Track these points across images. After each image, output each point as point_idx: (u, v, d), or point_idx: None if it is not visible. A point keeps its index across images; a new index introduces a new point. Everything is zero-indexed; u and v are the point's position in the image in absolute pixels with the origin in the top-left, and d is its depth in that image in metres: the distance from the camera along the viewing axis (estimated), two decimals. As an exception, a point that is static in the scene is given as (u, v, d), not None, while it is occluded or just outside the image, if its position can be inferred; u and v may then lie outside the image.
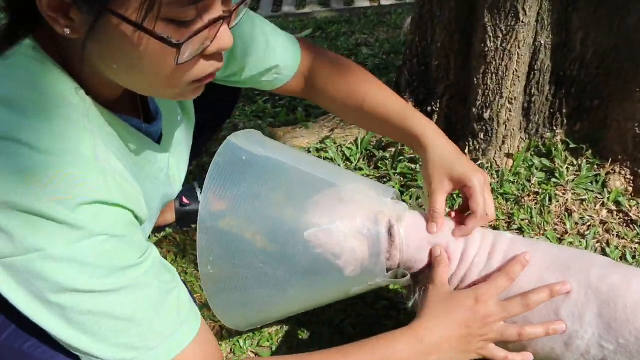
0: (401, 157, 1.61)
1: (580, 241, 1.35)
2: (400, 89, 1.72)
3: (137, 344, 0.68)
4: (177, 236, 1.60)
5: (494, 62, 1.44)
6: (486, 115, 1.49)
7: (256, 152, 0.87)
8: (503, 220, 1.42)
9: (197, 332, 0.75)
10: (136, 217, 0.71)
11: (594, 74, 1.44)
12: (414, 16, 1.67)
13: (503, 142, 1.52)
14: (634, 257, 1.31)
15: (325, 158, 1.69)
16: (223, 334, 1.27)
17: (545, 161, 1.51)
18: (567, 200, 1.43)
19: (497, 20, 1.38)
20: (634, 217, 1.38)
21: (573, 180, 1.46)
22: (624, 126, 1.42)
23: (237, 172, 0.84)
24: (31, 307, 0.64)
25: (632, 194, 1.42)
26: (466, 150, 1.55)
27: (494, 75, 1.45)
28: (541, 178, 1.49)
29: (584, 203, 1.43)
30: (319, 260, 0.85)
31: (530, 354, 0.89)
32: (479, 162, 1.54)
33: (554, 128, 1.53)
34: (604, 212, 1.41)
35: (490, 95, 1.47)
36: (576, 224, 1.39)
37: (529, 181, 1.49)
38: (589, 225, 1.38)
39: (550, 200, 1.43)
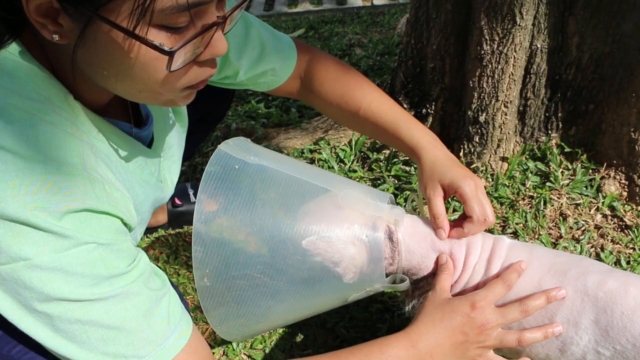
0: (395, 160, 1.61)
1: (574, 246, 1.35)
2: (395, 90, 1.71)
3: (127, 352, 0.67)
4: (170, 237, 1.58)
5: (490, 65, 1.43)
6: (481, 119, 1.48)
7: (249, 161, 0.85)
8: (498, 224, 1.42)
9: (189, 339, 0.73)
10: (125, 224, 0.70)
11: (590, 79, 1.44)
12: (409, 18, 1.66)
13: (498, 146, 1.51)
14: (628, 263, 1.31)
15: (319, 159, 1.68)
16: (216, 337, 1.25)
17: (540, 165, 1.51)
18: (561, 204, 1.43)
19: (494, 23, 1.38)
20: (628, 222, 1.38)
21: (568, 185, 1.46)
22: (619, 131, 1.42)
23: (231, 182, 0.82)
24: (18, 315, 0.63)
25: (627, 199, 1.43)
26: (461, 154, 1.55)
27: (489, 78, 1.45)
28: (536, 182, 1.48)
29: (579, 207, 1.43)
30: (317, 268, 0.84)
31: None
32: (473, 166, 1.53)
33: (549, 132, 1.53)
34: (599, 217, 1.41)
35: (486, 99, 1.46)
36: (571, 228, 1.39)
37: (524, 185, 1.48)
38: (584, 230, 1.38)
39: (544, 204, 1.43)
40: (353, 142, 1.69)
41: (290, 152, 1.75)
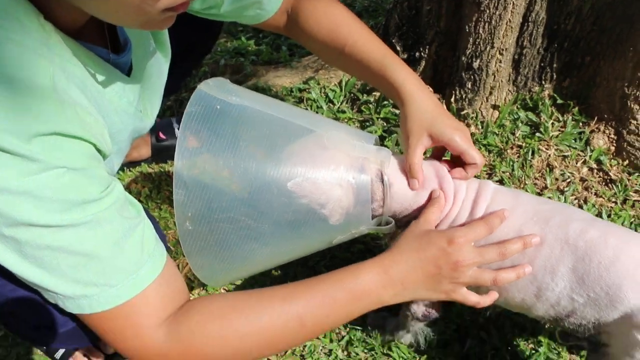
0: (385, 102, 1.58)
1: (559, 197, 1.35)
2: (389, 32, 1.66)
3: (98, 280, 0.66)
4: (153, 172, 1.57)
5: (488, 11, 1.39)
6: (475, 65, 1.45)
7: (230, 101, 0.82)
8: (485, 171, 1.41)
9: (162, 270, 0.72)
10: (98, 150, 0.67)
11: (589, 30, 1.41)
12: (408, -44, 1.59)
13: (490, 93, 1.49)
14: (609, 216, 1.32)
15: (308, 99, 1.65)
16: (194, 283, 1.25)
17: (531, 115, 1.49)
18: (549, 155, 1.43)
19: (495, -34, 1.33)
20: (613, 177, 1.38)
21: (557, 136, 1.45)
22: (613, 85, 1.40)
23: (212, 123, 0.78)
24: None
25: (614, 154, 1.42)
26: (452, 99, 1.53)
27: (486, 24, 1.40)
28: (525, 132, 1.47)
29: (566, 159, 1.42)
30: (303, 210, 0.82)
31: (496, 293, 0.90)
32: (464, 112, 1.51)
33: (543, 82, 1.50)
34: (585, 170, 1.40)
35: (481, 45, 1.43)
36: (556, 179, 1.39)
37: (513, 134, 1.47)
38: (569, 182, 1.38)
39: (532, 154, 1.42)
40: (343, 83, 1.66)
41: (279, 91, 1.71)
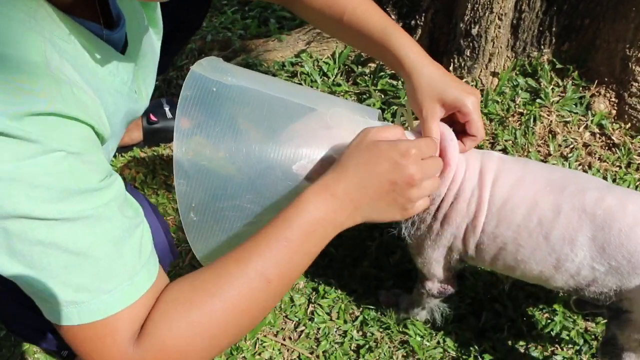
0: (382, 73, 1.54)
1: (563, 163, 1.34)
2: (383, 0, 1.61)
3: (91, 285, 0.58)
4: (146, 156, 1.52)
5: (485, -26, 1.35)
6: (474, 31, 1.42)
7: (226, 82, 0.77)
8: (487, 140, 1.39)
9: (157, 277, 0.65)
10: (97, 133, 0.62)
11: (588, -10, 1.38)
12: None
13: (489, 60, 1.46)
14: (614, 180, 1.31)
15: (301, 73, 1.60)
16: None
17: (531, 81, 1.47)
18: (551, 121, 1.41)
19: None
20: (616, 141, 1.36)
21: (558, 102, 1.42)
22: (614, 47, 1.38)
23: (210, 106, 0.74)
24: None
25: (616, 117, 1.41)
26: (451, 68, 1.49)
27: (484, -12, 1.37)
28: (526, 98, 1.45)
29: (568, 125, 1.40)
30: None
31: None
32: (463, 80, 1.48)
33: (542, 47, 1.47)
34: (587, 135, 1.39)
35: (480, 10, 1.39)
36: (559, 146, 1.37)
37: (514, 101, 1.45)
38: (572, 148, 1.37)
39: (534, 121, 1.40)
40: (337, 55, 1.61)
41: (270, 66, 1.66)
